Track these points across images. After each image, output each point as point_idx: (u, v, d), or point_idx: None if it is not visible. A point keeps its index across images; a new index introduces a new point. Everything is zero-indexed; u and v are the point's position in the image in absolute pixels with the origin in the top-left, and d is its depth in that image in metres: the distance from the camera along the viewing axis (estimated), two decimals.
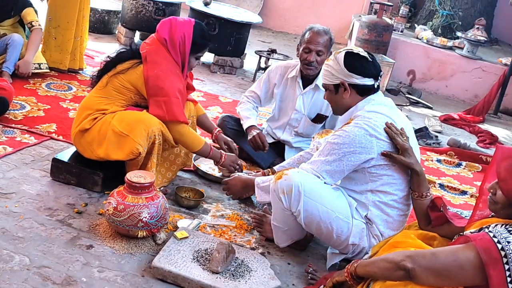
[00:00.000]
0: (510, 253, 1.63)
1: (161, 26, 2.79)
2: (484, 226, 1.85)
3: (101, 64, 2.88)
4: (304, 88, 3.41)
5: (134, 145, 2.64)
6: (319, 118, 3.44)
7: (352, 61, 2.43)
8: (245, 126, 3.43)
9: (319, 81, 3.35)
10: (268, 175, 2.89)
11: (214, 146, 3.07)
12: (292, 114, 3.46)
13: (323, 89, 3.34)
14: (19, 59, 4.19)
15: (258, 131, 3.36)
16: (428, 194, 2.33)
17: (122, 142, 2.67)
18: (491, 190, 1.87)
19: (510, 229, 1.72)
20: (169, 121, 2.75)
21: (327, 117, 3.43)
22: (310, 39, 3.26)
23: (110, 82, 2.77)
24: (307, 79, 3.41)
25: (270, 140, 3.57)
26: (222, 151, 3.00)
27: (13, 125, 3.39)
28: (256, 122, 3.48)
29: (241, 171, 3.05)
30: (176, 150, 3.06)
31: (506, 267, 1.63)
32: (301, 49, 3.32)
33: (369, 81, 2.44)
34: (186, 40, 2.75)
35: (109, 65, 2.82)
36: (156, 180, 2.86)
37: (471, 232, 1.88)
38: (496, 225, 1.80)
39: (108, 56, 2.87)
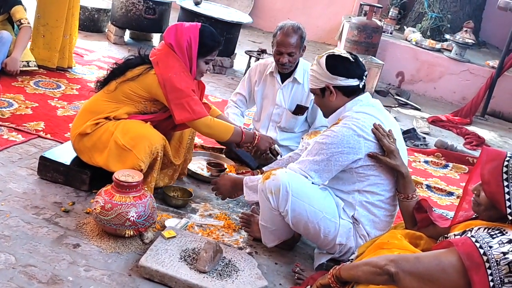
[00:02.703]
0: (492, 258, 1.65)
1: (167, 33, 2.77)
2: (467, 229, 1.87)
3: (108, 70, 2.84)
4: (282, 82, 3.45)
5: (136, 162, 2.61)
6: (299, 110, 3.47)
7: (334, 64, 2.44)
8: None
9: (297, 74, 3.40)
10: (257, 175, 2.90)
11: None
12: (274, 109, 3.50)
13: (301, 82, 3.39)
14: (7, 57, 4.16)
15: None
16: (414, 195, 2.35)
17: (124, 156, 2.63)
18: (475, 192, 1.89)
19: (492, 233, 1.74)
20: (197, 119, 2.71)
21: (307, 108, 3.46)
22: (281, 42, 3.29)
23: (119, 88, 2.72)
24: (285, 73, 3.44)
25: None
26: (256, 132, 2.97)
27: (0, 123, 3.36)
28: (241, 125, 3.50)
29: (277, 155, 3.08)
30: (176, 166, 3.01)
31: (489, 271, 1.64)
32: (273, 50, 3.36)
33: (353, 82, 2.46)
34: (193, 43, 2.72)
35: (117, 71, 2.77)
36: (156, 182, 2.86)
37: (455, 235, 1.90)
38: (479, 228, 1.81)
39: (116, 63, 2.84)
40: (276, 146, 3.10)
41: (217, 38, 2.82)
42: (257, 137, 2.92)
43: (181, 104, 2.67)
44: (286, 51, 3.29)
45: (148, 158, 2.65)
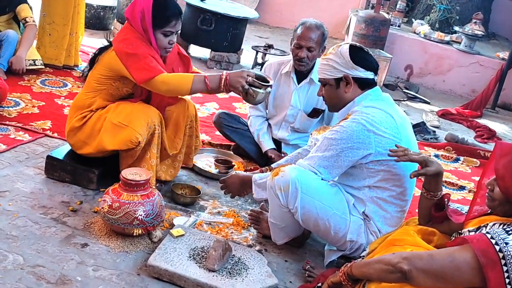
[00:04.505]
0: (508, 255, 1.61)
1: (127, 7, 2.74)
2: (482, 225, 1.83)
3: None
4: (298, 83, 3.38)
5: (133, 134, 2.58)
6: (315, 113, 3.41)
7: (357, 54, 2.41)
8: (263, 150, 3.45)
9: (314, 75, 3.33)
10: (266, 172, 2.87)
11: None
12: (288, 110, 3.43)
13: (319, 83, 3.31)
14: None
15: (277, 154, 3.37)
16: (440, 195, 2.22)
17: (121, 132, 2.61)
18: (489, 187, 1.85)
19: (508, 229, 1.70)
20: (155, 76, 2.56)
21: (323, 111, 3.40)
22: (302, 35, 3.23)
23: (90, 76, 2.75)
24: (301, 74, 3.37)
25: None
26: (223, 72, 2.59)
27: (7, 122, 3.36)
28: (271, 141, 3.47)
29: (261, 87, 2.59)
30: (173, 155, 2.93)
31: (505, 268, 1.61)
32: (292, 45, 3.29)
33: (370, 75, 2.43)
34: (146, 15, 2.63)
35: (92, 61, 2.79)
36: (157, 175, 2.84)
37: (469, 231, 1.86)
38: (494, 224, 1.78)
39: (93, 53, 2.83)
40: (256, 73, 2.64)
41: (173, 9, 2.67)
42: (224, 77, 2.56)
43: (139, 65, 2.58)
44: (306, 45, 3.22)
45: (145, 131, 2.62)
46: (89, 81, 2.75)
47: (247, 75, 2.56)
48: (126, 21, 2.72)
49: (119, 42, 2.66)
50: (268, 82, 2.64)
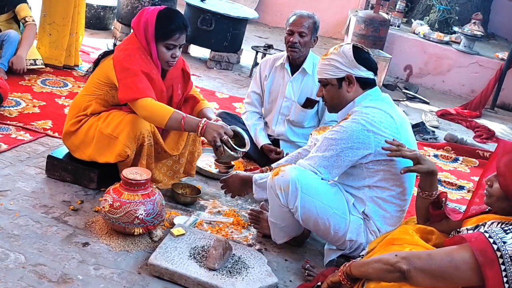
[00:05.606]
0: (506, 254, 1.63)
1: (134, 17, 2.74)
2: (480, 224, 1.84)
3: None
4: (292, 75, 3.42)
5: (122, 148, 2.59)
6: (309, 103, 3.44)
7: (359, 54, 2.43)
8: (259, 145, 3.49)
9: (306, 64, 3.37)
10: (266, 172, 2.88)
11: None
12: (283, 102, 3.47)
13: (311, 73, 3.34)
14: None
15: (274, 150, 3.42)
16: (436, 193, 2.25)
17: (112, 144, 2.62)
18: (488, 183, 1.87)
19: (506, 228, 1.71)
20: (140, 98, 2.52)
21: (318, 101, 3.43)
22: (293, 22, 3.31)
23: (90, 79, 2.75)
24: (294, 66, 3.41)
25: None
26: (202, 121, 2.51)
27: (8, 122, 3.37)
28: (267, 138, 3.52)
29: (233, 150, 2.53)
30: (175, 157, 2.93)
31: (502, 267, 1.62)
32: (285, 33, 3.35)
33: (371, 75, 2.46)
34: (149, 26, 2.62)
35: (95, 64, 2.79)
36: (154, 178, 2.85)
37: (468, 229, 1.87)
38: (492, 223, 1.79)
39: (99, 55, 2.84)
40: (236, 131, 2.61)
41: (177, 22, 2.63)
42: (201, 126, 2.49)
43: (127, 82, 2.56)
44: (298, 30, 3.28)
45: (133, 144, 2.61)
46: (89, 84, 2.75)
47: (224, 133, 2.48)
48: (132, 31, 2.72)
49: (119, 50, 2.66)
50: (244, 146, 2.59)
